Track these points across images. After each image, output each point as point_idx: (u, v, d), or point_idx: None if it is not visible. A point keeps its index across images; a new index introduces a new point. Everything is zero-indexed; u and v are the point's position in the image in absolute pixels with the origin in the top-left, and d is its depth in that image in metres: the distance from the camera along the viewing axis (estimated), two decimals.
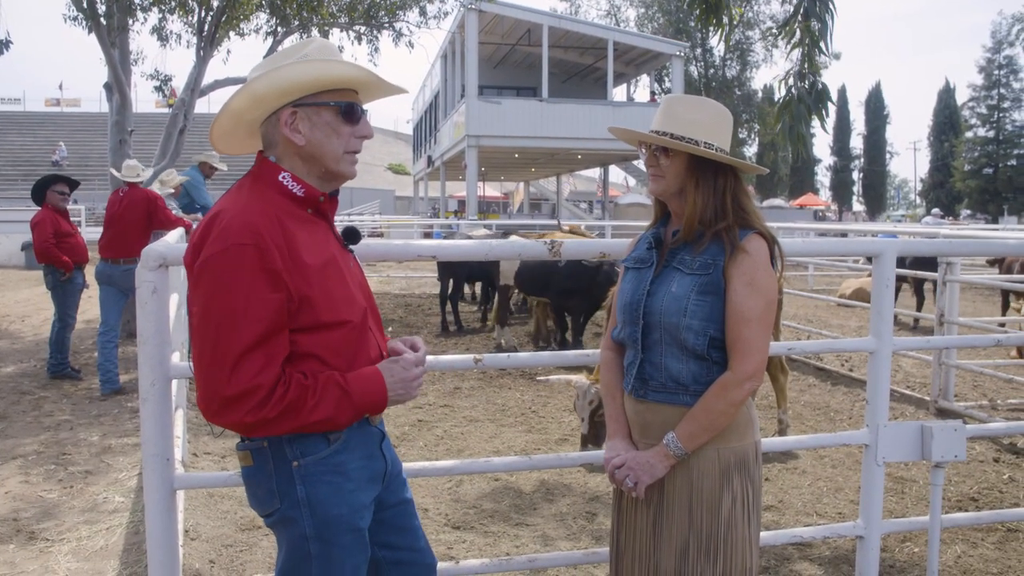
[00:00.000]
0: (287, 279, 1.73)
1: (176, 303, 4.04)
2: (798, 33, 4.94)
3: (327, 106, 1.86)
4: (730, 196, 2.13)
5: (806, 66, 4.91)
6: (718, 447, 2.11)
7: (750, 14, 44.07)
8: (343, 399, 1.78)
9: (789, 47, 5.04)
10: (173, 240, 4.50)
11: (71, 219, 7.61)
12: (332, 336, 1.80)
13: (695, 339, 2.07)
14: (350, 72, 1.88)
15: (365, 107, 1.96)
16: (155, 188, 8.30)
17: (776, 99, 5.37)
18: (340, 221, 2.10)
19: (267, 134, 1.89)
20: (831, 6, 4.85)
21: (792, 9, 5.18)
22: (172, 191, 8.82)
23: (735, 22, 5.62)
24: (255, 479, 1.87)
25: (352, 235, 2.03)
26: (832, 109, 5.47)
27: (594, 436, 5.01)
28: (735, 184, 2.15)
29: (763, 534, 2.75)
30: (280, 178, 1.85)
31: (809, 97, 5.06)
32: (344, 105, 1.87)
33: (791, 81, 5.13)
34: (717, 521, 2.10)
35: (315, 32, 12.03)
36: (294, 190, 1.85)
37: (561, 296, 8.32)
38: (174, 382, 2.54)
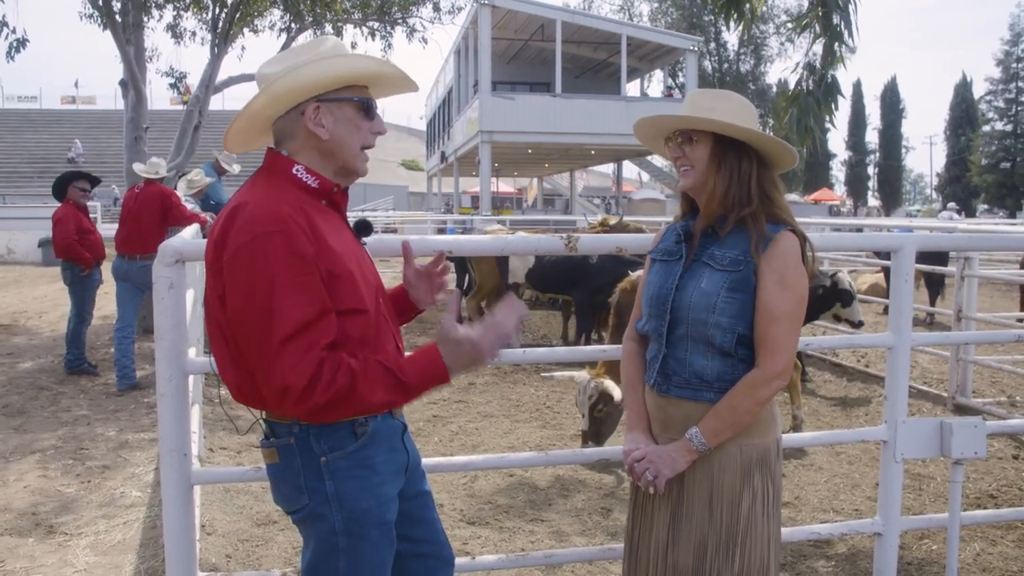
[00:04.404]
0: (317, 262, 1.73)
1: (192, 299, 4.05)
2: (817, 27, 4.85)
3: (349, 101, 1.89)
4: (755, 183, 2.09)
5: (828, 59, 4.80)
6: (740, 443, 2.09)
7: (764, 8, 43.83)
8: (396, 386, 1.75)
9: (809, 41, 4.93)
10: (189, 236, 4.51)
11: (90, 216, 7.68)
12: (353, 323, 1.79)
13: (723, 336, 2.04)
14: (373, 67, 1.92)
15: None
16: (181, 189, 8.31)
17: (788, 92, 5.26)
18: (352, 215, 2.11)
19: (283, 129, 1.90)
20: None
21: (808, 2, 5.09)
22: (195, 193, 8.80)
23: (756, 13, 5.52)
24: (282, 476, 1.87)
25: (364, 228, 2.05)
26: (847, 103, 5.36)
27: (594, 432, 4.87)
28: (761, 171, 2.11)
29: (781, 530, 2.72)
30: (294, 171, 1.86)
31: (818, 90, 4.95)
32: (364, 100, 1.91)
33: (800, 73, 5.02)
34: (737, 518, 2.08)
35: (329, 28, 12.05)
36: (308, 182, 1.86)
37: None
38: (190, 377, 2.55)
